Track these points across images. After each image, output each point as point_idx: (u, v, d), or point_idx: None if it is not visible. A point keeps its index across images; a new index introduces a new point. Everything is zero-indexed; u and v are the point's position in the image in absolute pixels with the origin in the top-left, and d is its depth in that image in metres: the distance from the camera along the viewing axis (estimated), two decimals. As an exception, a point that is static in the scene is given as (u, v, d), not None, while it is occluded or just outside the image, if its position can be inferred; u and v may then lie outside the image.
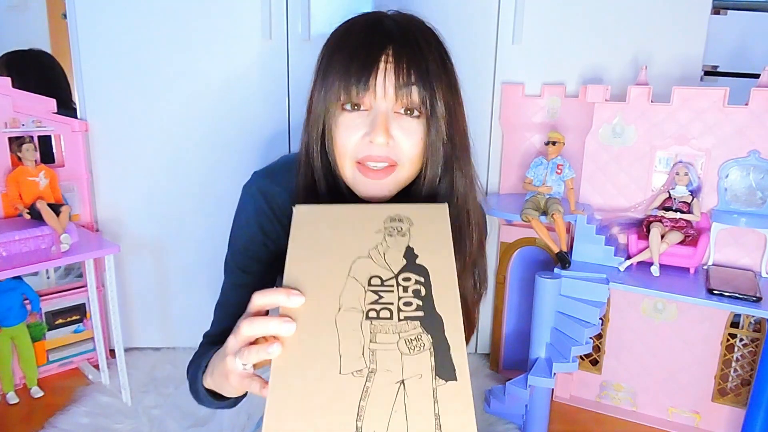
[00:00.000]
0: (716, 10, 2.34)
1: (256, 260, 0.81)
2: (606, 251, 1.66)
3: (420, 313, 0.51)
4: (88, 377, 1.98)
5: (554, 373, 1.56)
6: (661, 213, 1.62)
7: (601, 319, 1.57)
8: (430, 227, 0.58)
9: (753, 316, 1.67)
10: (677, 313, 1.73)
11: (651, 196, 1.70)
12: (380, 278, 0.54)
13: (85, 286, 1.97)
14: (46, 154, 1.86)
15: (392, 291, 0.53)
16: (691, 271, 1.61)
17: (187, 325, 2.17)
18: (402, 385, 0.46)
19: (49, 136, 1.87)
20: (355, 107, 0.68)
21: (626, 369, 1.84)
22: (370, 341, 0.49)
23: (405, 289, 0.53)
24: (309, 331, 0.49)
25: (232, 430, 1.69)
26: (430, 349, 0.48)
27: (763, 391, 1.48)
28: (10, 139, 1.74)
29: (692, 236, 1.61)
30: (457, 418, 0.44)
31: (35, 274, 1.88)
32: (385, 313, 0.51)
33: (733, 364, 1.73)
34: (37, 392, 1.86)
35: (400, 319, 0.50)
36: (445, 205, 0.62)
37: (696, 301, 1.46)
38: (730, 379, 1.73)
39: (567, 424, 1.81)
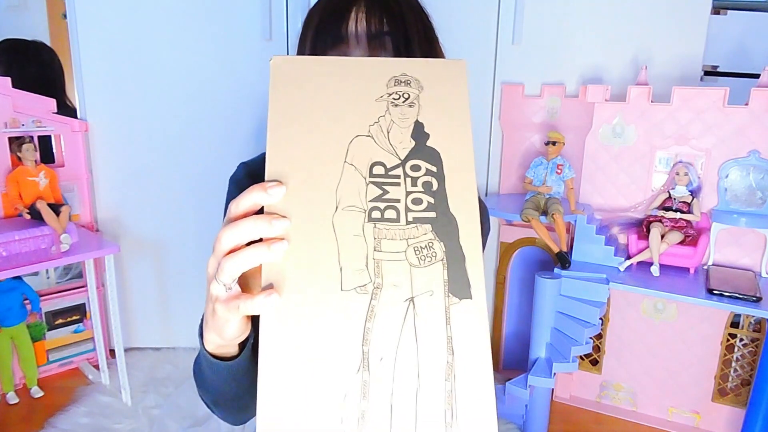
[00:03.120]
0: (716, 10, 2.33)
1: None
2: (606, 251, 1.66)
3: (431, 214, 0.42)
4: (88, 377, 1.98)
5: (554, 373, 1.56)
6: (661, 213, 1.62)
7: (601, 319, 1.57)
8: (445, 94, 0.46)
9: (753, 316, 1.67)
10: (677, 313, 1.73)
11: (651, 196, 1.70)
12: (384, 166, 0.44)
13: (85, 286, 1.97)
14: (46, 154, 1.86)
15: (399, 184, 0.43)
16: (691, 271, 1.61)
17: (187, 325, 2.17)
18: (411, 303, 0.41)
19: (49, 136, 1.87)
20: None
21: (626, 369, 1.84)
22: (375, 249, 0.42)
23: (414, 182, 0.43)
24: (302, 237, 0.41)
25: (231, 430, 1.69)
26: (442, 260, 0.41)
27: (763, 391, 1.48)
28: (10, 139, 1.74)
29: (692, 236, 1.61)
30: (471, 342, 0.40)
31: (35, 274, 1.88)
32: (390, 213, 0.42)
33: (733, 364, 1.73)
34: (37, 392, 1.86)
35: (408, 221, 0.42)
36: (463, 62, 0.47)
37: (696, 301, 1.46)
38: (730, 379, 1.73)
39: (567, 424, 1.81)
